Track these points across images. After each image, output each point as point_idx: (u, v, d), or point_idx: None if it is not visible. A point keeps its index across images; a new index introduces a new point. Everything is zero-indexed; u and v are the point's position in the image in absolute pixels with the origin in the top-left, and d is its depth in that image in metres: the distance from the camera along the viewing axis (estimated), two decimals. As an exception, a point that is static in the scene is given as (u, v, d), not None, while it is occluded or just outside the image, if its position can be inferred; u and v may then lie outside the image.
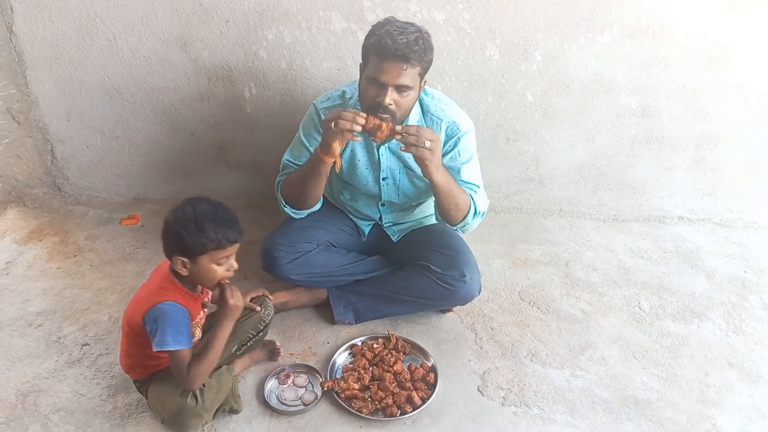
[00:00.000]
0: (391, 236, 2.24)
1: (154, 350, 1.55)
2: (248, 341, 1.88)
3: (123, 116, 2.72)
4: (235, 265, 1.63)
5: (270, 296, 1.94)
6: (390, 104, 1.79)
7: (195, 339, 1.72)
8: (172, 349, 1.54)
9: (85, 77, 2.62)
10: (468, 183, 2.00)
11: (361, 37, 1.89)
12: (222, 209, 1.58)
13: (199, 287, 1.68)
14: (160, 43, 2.54)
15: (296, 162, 2.04)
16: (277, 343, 1.97)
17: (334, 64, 2.57)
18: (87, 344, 2.02)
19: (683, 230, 2.87)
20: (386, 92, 1.78)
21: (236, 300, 1.63)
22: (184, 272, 1.58)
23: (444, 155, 1.98)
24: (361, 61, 1.90)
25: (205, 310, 1.73)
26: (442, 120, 1.99)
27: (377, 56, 1.77)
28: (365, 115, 1.75)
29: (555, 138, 2.76)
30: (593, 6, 2.45)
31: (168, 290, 1.60)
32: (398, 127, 1.77)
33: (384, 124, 1.76)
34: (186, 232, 1.52)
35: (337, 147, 1.79)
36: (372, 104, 1.81)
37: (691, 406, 1.88)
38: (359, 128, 1.74)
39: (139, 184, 2.91)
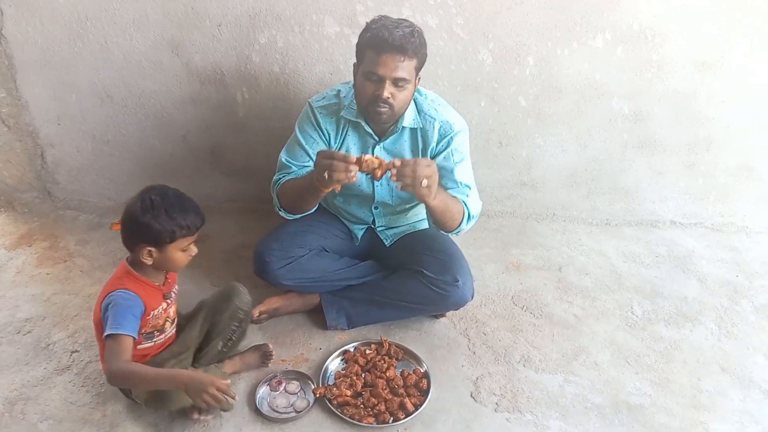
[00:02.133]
0: (384, 240, 2.24)
1: (104, 336, 1.54)
2: (232, 334, 1.88)
3: (114, 120, 2.70)
4: (195, 250, 1.67)
5: (240, 284, 1.91)
6: (388, 97, 1.79)
7: (171, 334, 1.75)
8: (108, 332, 1.52)
9: (76, 81, 2.60)
10: (461, 183, 2.00)
11: (354, 41, 1.89)
12: (184, 197, 1.64)
13: (160, 278, 1.68)
14: (152, 46, 2.52)
15: (293, 162, 2.03)
16: (270, 346, 1.96)
17: (327, 68, 2.56)
18: (76, 351, 2.00)
19: (675, 234, 2.88)
20: (384, 85, 1.78)
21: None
22: (149, 261, 1.59)
23: (437, 155, 1.99)
24: (355, 61, 1.90)
25: (169, 301, 1.73)
26: (435, 119, 1.99)
27: (374, 50, 1.77)
28: (355, 159, 1.68)
29: (548, 142, 2.77)
30: (586, 11, 2.46)
31: (123, 279, 1.61)
32: (396, 161, 1.70)
33: (378, 170, 1.69)
34: (157, 221, 1.55)
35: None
36: (370, 99, 1.81)
37: (683, 411, 1.88)
38: (354, 178, 1.70)
39: (130, 189, 2.81)
